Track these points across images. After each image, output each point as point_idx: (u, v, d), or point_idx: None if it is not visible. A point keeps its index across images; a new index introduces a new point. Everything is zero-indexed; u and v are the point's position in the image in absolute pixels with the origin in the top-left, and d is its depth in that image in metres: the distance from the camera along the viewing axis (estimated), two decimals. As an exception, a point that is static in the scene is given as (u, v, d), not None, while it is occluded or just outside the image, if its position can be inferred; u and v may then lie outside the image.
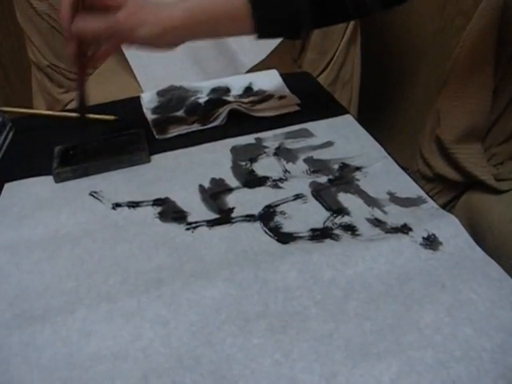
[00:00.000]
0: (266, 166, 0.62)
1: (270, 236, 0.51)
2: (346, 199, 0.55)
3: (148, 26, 0.52)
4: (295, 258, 0.47)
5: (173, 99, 0.79)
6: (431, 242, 0.48)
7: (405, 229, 0.50)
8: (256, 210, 0.55)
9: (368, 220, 0.52)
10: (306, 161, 0.62)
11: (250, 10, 0.54)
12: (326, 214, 0.53)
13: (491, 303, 0.42)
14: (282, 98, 0.77)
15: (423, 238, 0.48)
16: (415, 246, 0.48)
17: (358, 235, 0.50)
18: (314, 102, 0.75)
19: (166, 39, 0.54)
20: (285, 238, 0.50)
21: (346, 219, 0.52)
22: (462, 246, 0.48)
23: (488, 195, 0.68)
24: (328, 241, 0.49)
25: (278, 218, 0.53)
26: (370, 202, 0.55)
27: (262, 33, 0.57)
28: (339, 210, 0.54)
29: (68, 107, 1.13)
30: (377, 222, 0.51)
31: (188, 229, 0.53)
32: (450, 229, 0.49)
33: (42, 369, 0.40)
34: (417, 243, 0.48)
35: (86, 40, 0.56)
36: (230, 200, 0.57)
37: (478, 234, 0.65)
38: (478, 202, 0.69)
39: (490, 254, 0.47)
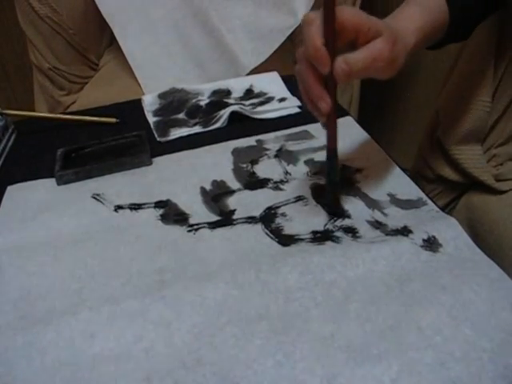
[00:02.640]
0: (267, 168, 0.63)
1: (271, 238, 0.51)
2: (346, 201, 0.56)
3: (403, 55, 0.47)
4: (296, 260, 0.48)
5: (174, 101, 0.79)
6: (431, 244, 0.48)
7: (405, 231, 0.50)
8: (257, 212, 0.55)
9: (368, 222, 0.52)
10: (306, 163, 0.63)
11: (448, 14, 0.53)
12: (327, 216, 0.54)
13: (491, 304, 0.42)
14: (282, 100, 0.77)
15: (423, 239, 0.49)
16: (415, 247, 0.48)
17: (358, 237, 0.50)
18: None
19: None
20: (286, 240, 0.51)
21: (346, 221, 0.53)
22: (462, 248, 0.48)
23: (488, 196, 0.68)
24: (329, 243, 0.50)
25: (279, 220, 0.53)
26: (371, 204, 0.55)
27: (450, 34, 0.56)
28: (340, 213, 0.54)
29: (69, 109, 1.14)
30: (377, 224, 0.52)
31: (190, 231, 0.53)
32: (449, 231, 0.50)
33: (46, 370, 0.40)
34: (417, 245, 0.48)
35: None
36: (232, 202, 0.57)
37: (479, 234, 0.65)
38: (478, 202, 0.69)
39: (491, 255, 0.47)
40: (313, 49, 0.42)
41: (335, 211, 0.53)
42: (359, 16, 0.44)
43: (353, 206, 0.55)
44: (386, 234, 0.50)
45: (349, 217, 0.53)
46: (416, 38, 0.50)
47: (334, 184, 0.54)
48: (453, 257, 0.47)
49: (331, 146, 0.51)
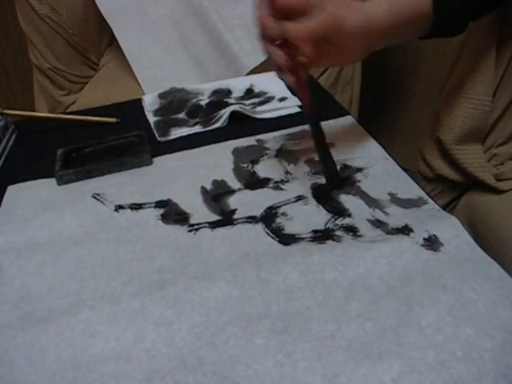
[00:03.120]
0: (267, 167, 0.63)
1: (272, 237, 0.51)
2: (347, 200, 0.56)
3: (356, 13, 0.50)
4: (297, 259, 0.48)
5: (174, 101, 0.79)
6: (432, 243, 0.48)
7: (406, 230, 0.50)
8: (258, 212, 0.55)
9: (369, 221, 0.52)
10: (307, 162, 0.63)
11: (431, 6, 0.54)
12: (328, 215, 0.54)
13: (492, 303, 0.42)
14: (283, 99, 0.77)
15: (424, 238, 0.49)
16: (416, 246, 0.48)
17: (359, 236, 0.50)
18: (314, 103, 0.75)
19: (371, 34, 0.51)
20: (286, 239, 0.51)
21: (347, 220, 0.53)
22: (463, 247, 0.48)
23: (489, 195, 0.68)
24: (330, 242, 0.50)
25: (279, 220, 0.53)
26: (371, 203, 0.55)
27: (439, 28, 0.56)
28: (340, 212, 0.54)
29: (70, 109, 1.14)
30: (378, 223, 0.52)
31: (190, 230, 0.53)
32: (450, 230, 0.50)
33: (47, 370, 0.40)
34: (418, 244, 0.48)
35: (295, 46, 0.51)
36: (232, 202, 0.57)
37: (479, 233, 0.65)
38: (478, 202, 0.69)
39: (491, 254, 0.47)
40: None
41: (336, 183, 0.52)
42: None
43: (353, 204, 0.55)
44: (387, 233, 0.50)
45: (349, 216, 0.53)
46: (384, 13, 0.53)
47: (325, 153, 0.55)
48: (454, 256, 0.47)
49: (307, 108, 0.54)
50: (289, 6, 0.50)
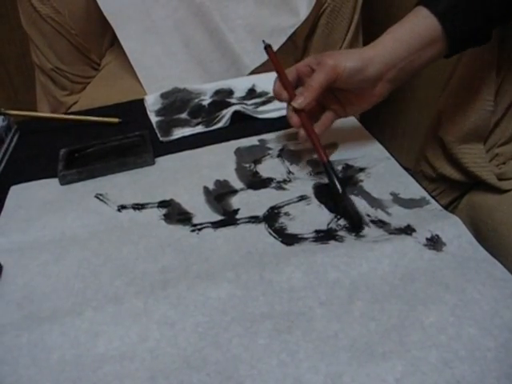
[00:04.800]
0: (269, 167, 0.63)
1: (275, 237, 0.51)
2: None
3: (352, 58, 0.55)
4: (300, 259, 0.48)
5: (176, 101, 0.79)
6: (434, 243, 0.48)
7: (408, 230, 0.50)
8: (260, 212, 0.55)
9: (372, 221, 0.52)
10: (309, 162, 0.63)
11: (441, 29, 0.54)
12: (330, 215, 0.54)
13: (495, 302, 0.42)
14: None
15: (427, 238, 0.49)
16: (419, 246, 0.48)
17: (361, 236, 0.50)
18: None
19: (367, 71, 0.55)
20: (289, 239, 0.51)
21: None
22: (466, 247, 0.48)
23: (491, 195, 0.68)
24: (332, 242, 0.50)
25: (282, 220, 0.54)
26: (374, 203, 0.55)
27: (454, 48, 0.57)
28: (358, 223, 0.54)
29: (71, 110, 1.14)
30: (380, 224, 0.52)
31: (193, 230, 0.53)
32: (453, 229, 0.50)
33: (51, 369, 0.40)
34: (420, 244, 0.48)
35: (312, 106, 0.58)
36: (235, 201, 0.57)
37: (482, 233, 0.65)
38: (480, 201, 0.69)
39: (494, 254, 0.47)
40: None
41: (355, 222, 0.52)
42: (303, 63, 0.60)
43: (356, 205, 0.55)
44: (390, 233, 0.50)
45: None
46: (382, 51, 0.56)
47: (339, 195, 0.55)
48: (456, 256, 0.47)
49: (321, 159, 0.57)
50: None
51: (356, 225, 0.52)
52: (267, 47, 0.64)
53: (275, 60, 0.63)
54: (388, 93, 0.59)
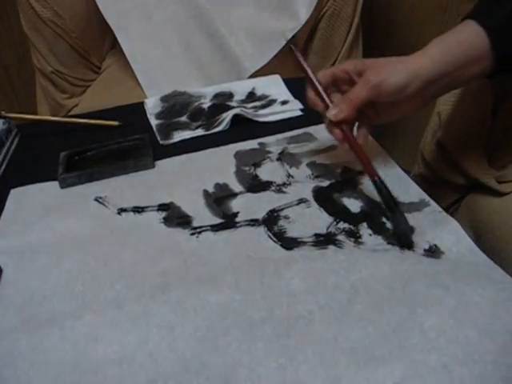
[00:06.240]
0: (269, 170, 0.63)
1: (274, 241, 0.51)
2: (349, 204, 0.56)
3: (399, 73, 0.51)
4: (299, 265, 0.48)
5: (176, 105, 0.80)
6: (433, 253, 0.48)
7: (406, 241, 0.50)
8: (260, 215, 0.55)
9: (370, 227, 0.52)
10: (309, 165, 0.63)
11: (489, 44, 0.50)
12: (329, 218, 0.54)
13: (494, 305, 0.42)
14: (284, 102, 0.77)
15: (425, 250, 0.49)
16: (417, 256, 0.48)
17: (361, 243, 0.50)
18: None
19: (411, 87, 0.51)
20: (289, 243, 0.51)
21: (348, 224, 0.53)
22: (464, 252, 0.48)
23: (490, 197, 0.68)
24: (331, 247, 0.50)
25: (281, 223, 0.54)
26: (374, 206, 0.55)
27: (501, 66, 0.53)
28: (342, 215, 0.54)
29: (72, 113, 1.14)
30: (379, 228, 0.52)
31: (193, 234, 0.53)
32: (451, 237, 0.50)
33: (50, 373, 0.40)
34: (418, 254, 0.48)
35: (350, 119, 0.55)
36: (234, 205, 0.57)
37: (481, 236, 0.65)
38: (480, 204, 0.69)
39: (493, 256, 0.47)
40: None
41: (403, 241, 0.50)
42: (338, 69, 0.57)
43: (355, 208, 0.55)
44: (388, 243, 0.50)
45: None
46: (428, 64, 0.51)
47: (394, 212, 0.52)
48: (455, 261, 0.47)
49: (369, 175, 0.54)
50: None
51: (403, 244, 0.50)
52: (293, 50, 0.61)
53: (304, 64, 0.59)
54: (425, 105, 0.56)
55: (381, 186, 0.53)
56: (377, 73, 0.52)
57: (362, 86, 0.53)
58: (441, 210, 0.53)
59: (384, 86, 0.51)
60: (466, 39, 0.52)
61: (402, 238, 0.50)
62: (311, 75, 0.57)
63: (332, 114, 0.54)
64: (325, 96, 0.56)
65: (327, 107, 0.55)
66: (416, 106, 0.55)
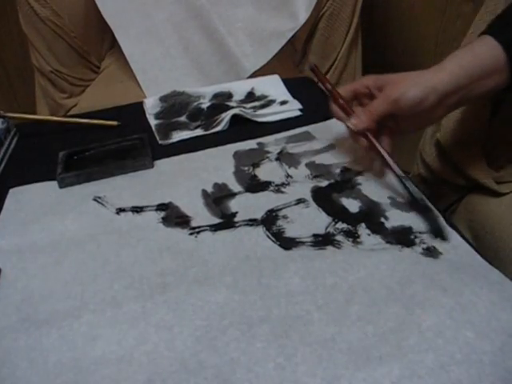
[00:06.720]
0: (268, 170, 0.63)
1: (273, 241, 0.51)
2: (347, 204, 0.56)
3: (417, 87, 0.53)
4: (298, 265, 0.48)
5: (175, 104, 0.80)
6: (431, 252, 0.48)
7: (405, 239, 0.50)
8: (259, 215, 0.55)
9: (369, 226, 0.52)
10: (307, 165, 0.63)
11: (505, 59, 0.52)
12: (328, 218, 0.54)
13: (492, 306, 0.42)
14: (283, 103, 0.78)
15: (423, 249, 0.49)
16: (415, 255, 0.48)
17: (359, 243, 0.50)
18: (315, 107, 0.76)
19: (428, 101, 0.53)
20: (287, 243, 0.51)
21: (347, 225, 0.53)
22: (462, 254, 0.48)
23: (489, 198, 0.68)
24: (330, 248, 0.50)
25: (280, 223, 0.54)
26: (372, 206, 0.55)
27: None
28: (341, 215, 0.54)
29: (71, 112, 1.14)
30: (378, 229, 0.52)
31: (191, 233, 0.53)
32: (450, 240, 0.50)
33: (48, 372, 0.40)
34: (417, 253, 0.48)
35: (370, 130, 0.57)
36: (233, 205, 0.57)
37: (479, 236, 0.65)
38: (478, 204, 0.69)
39: (491, 257, 0.47)
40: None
41: (437, 234, 0.51)
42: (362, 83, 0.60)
43: (354, 208, 0.55)
44: (386, 242, 0.50)
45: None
46: (445, 80, 0.53)
47: (420, 205, 0.54)
48: (453, 262, 0.47)
49: (393, 171, 0.56)
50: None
51: (438, 236, 0.51)
52: (314, 69, 0.63)
53: (325, 80, 0.62)
54: (444, 116, 0.59)
55: (408, 186, 0.55)
56: (396, 87, 0.54)
57: (382, 100, 0.55)
58: (438, 214, 0.53)
59: (403, 100, 0.53)
60: (481, 53, 0.53)
61: (437, 231, 0.51)
62: (334, 90, 0.60)
63: (353, 123, 0.57)
64: (347, 107, 0.59)
65: (348, 116, 0.58)
66: (435, 118, 0.58)
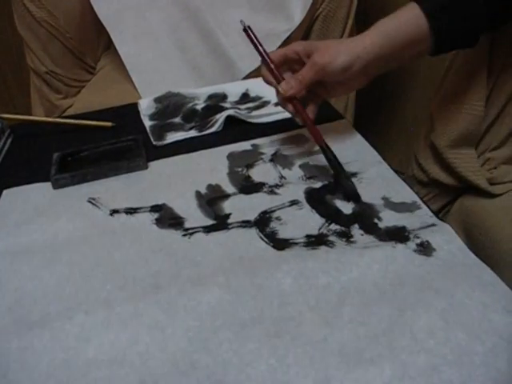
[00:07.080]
0: (262, 172, 0.63)
1: (266, 242, 0.51)
2: (341, 205, 0.56)
3: (342, 55, 0.57)
4: (290, 265, 0.48)
5: (170, 106, 0.80)
6: (424, 249, 0.48)
7: (399, 236, 0.50)
8: (252, 216, 0.55)
9: (361, 227, 0.52)
10: (301, 167, 0.63)
11: (428, 28, 0.55)
12: (321, 220, 0.54)
13: (484, 307, 0.42)
14: (278, 104, 0.77)
15: (417, 244, 0.49)
16: (409, 252, 0.48)
17: (352, 242, 0.50)
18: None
19: (354, 68, 0.57)
20: (280, 244, 0.51)
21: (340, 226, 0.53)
22: (456, 252, 0.48)
23: (482, 199, 0.68)
24: (323, 248, 0.50)
25: (273, 224, 0.54)
26: (365, 207, 0.55)
27: (440, 48, 0.58)
28: (334, 216, 0.54)
29: (66, 113, 1.14)
30: (371, 228, 0.52)
31: (185, 235, 0.53)
32: (443, 236, 0.50)
33: (40, 374, 0.40)
34: (410, 249, 0.48)
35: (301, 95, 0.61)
36: (227, 206, 0.57)
37: (473, 237, 0.65)
38: (472, 206, 0.69)
39: (485, 258, 0.47)
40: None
41: (354, 196, 0.56)
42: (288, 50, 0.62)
43: (347, 209, 0.55)
44: (380, 240, 0.50)
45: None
46: (370, 45, 0.57)
47: (342, 173, 0.58)
48: (446, 261, 0.47)
49: (318, 142, 0.60)
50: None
51: (352, 198, 0.56)
52: (247, 29, 0.65)
53: (257, 42, 0.64)
54: (368, 82, 0.61)
55: (328, 152, 0.59)
56: (322, 55, 0.57)
57: (310, 67, 0.58)
58: (431, 214, 0.53)
59: (329, 68, 0.57)
60: (406, 23, 0.56)
61: (350, 193, 0.57)
62: (264, 54, 0.63)
63: (283, 88, 0.59)
64: (277, 73, 0.61)
65: (279, 83, 0.60)
66: (360, 83, 0.61)
